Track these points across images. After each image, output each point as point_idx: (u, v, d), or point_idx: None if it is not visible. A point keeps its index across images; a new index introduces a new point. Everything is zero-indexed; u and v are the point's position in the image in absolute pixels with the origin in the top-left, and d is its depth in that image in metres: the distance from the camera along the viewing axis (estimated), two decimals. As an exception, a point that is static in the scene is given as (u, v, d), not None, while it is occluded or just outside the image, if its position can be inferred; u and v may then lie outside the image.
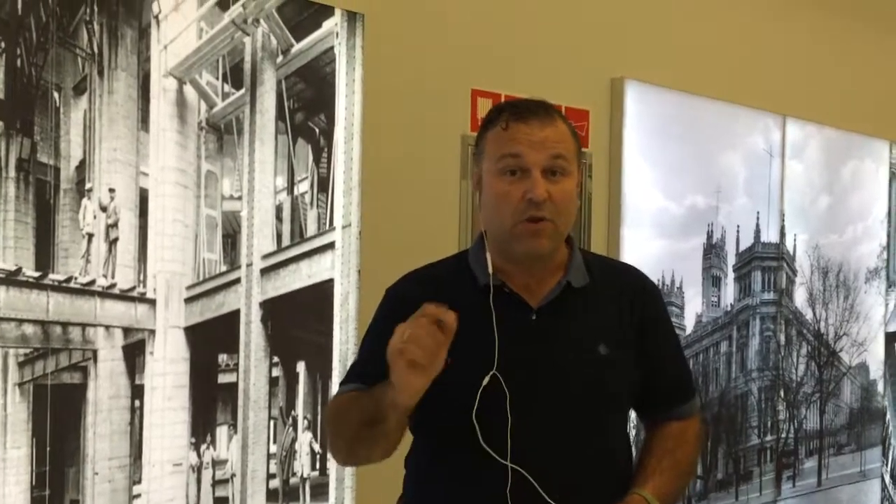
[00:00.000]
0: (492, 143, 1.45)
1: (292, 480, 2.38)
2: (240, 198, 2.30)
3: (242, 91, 2.29)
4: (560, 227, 1.44)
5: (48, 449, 1.97)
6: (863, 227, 4.22)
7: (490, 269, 1.44)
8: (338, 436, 1.48)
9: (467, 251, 1.54)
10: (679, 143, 3.35)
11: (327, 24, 2.41)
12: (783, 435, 3.85)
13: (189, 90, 2.20)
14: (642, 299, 1.54)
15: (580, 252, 1.53)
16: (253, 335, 2.31)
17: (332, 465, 2.43)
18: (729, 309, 3.62)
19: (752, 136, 3.66)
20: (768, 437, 3.78)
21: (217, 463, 2.25)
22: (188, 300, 2.20)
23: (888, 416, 4.45)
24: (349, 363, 2.45)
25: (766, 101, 3.70)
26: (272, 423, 2.35)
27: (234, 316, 2.28)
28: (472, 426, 1.37)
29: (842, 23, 4.08)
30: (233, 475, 2.28)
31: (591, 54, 3.10)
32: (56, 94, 1.98)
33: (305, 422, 2.42)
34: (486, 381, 1.38)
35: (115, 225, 2.07)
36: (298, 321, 2.40)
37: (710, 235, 3.52)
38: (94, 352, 2.04)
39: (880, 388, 4.40)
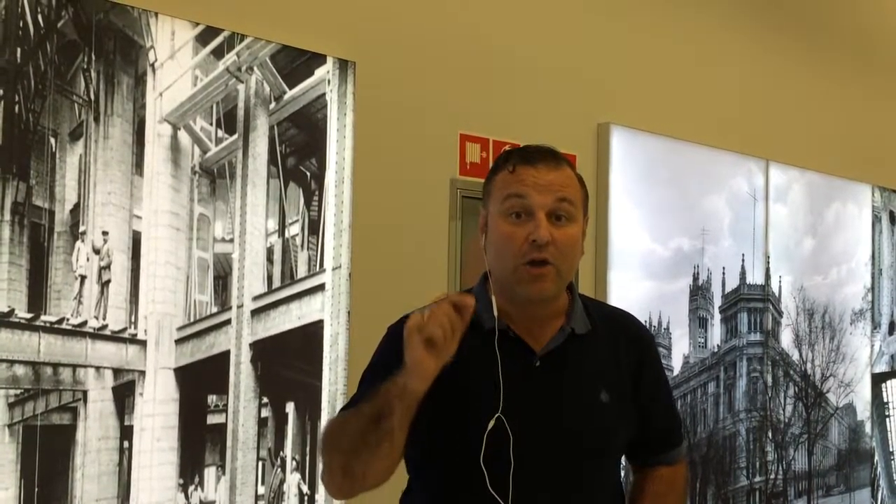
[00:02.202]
0: (499, 186, 1.47)
1: (280, 522, 2.38)
2: (231, 240, 2.33)
3: (235, 136, 2.33)
4: (562, 272, 1.44)
5: (36, 490, 1.98)
6: (847, 270, 4.27)
7: (496, 313, 1.45)
8: (334, 450, 1.39)
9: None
10: (664, 187, 3.41)
11: (319, 72, 2.47)
12: (772, 476, 3.86)
13: (183, 135, 2.24)
14: (638, 347, 1.56)
15: (579, 297, 1.55)
16: (242, 376, 2.33)
17: (320, 506, 2.43)
18: (716, 350, 3.65)
19: (736, 180, 3.73)
20: (757, 479, 3.79)
21: (205, 504, 2.25)
22: (179, 341, 2.22)
23: (876, 457, 4.46)
24: (338, 404, 2.47)
25: (750, 146, 3.78)
26: (260, 464, 2.35)
27: (224, 357, 2.30)
28: (475, 470, 1.37)
29: (823, 69, 4.18)
30: (220, 517, 2.28)
31: (578, 100, 3.17)
32: (52, 140, 2.02)
33: (294, 463, 2.42)
34: (491, 424, 1.38)
35: (107, 267, 2.10)
36: (288, 362, 2.42)
37: (696, 277, 3.56)
38: (84, 392, 2.06)
39: (868, 428, 4.42)
